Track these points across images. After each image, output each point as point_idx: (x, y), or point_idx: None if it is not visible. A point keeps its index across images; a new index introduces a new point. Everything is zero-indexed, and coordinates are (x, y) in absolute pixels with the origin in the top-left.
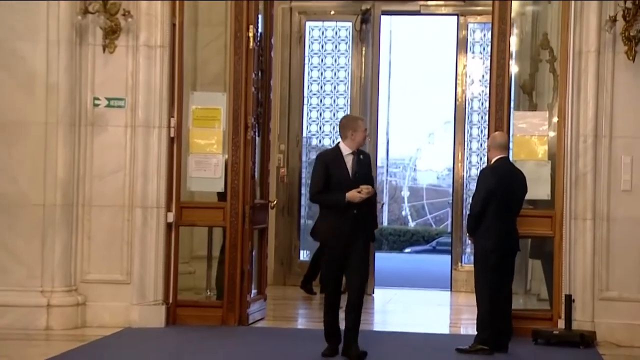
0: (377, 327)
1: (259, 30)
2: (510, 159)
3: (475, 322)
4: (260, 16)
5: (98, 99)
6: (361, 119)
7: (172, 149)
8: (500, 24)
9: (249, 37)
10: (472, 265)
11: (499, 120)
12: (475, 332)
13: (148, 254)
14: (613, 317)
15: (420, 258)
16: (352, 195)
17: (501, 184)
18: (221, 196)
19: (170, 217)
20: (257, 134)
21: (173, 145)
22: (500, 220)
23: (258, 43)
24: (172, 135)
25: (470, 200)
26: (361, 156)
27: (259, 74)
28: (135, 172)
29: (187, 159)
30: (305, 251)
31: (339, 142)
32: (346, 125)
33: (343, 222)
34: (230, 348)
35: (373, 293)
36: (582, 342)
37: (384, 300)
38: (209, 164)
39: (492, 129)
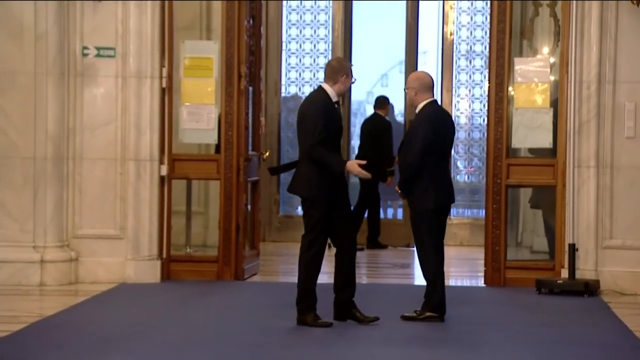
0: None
1: None
2: (512, 106)
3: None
4: None
5: (87, 48)
6: (352, 65)
7: (164, 99)
8: None
9: None
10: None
11: (499, 67)
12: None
13: (142, 208)
14: (616, 265)
15: None
16: (353, 166)
17: (439, 132)
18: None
19: (164, 170)
20: (249, 83)
21: (165, 96)
22: (437, 174)
23: None
24: (164, 85)
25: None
26: (338, 106)
27: (251, 20)
28: (127, 124)
29: (179, 110)
30: (286, 206)
31: (321, 87)
32: (340, 69)
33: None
34: (230, 302)
35: None
36: (586, 290)
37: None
38: (201, 115)
39: (493, 77)
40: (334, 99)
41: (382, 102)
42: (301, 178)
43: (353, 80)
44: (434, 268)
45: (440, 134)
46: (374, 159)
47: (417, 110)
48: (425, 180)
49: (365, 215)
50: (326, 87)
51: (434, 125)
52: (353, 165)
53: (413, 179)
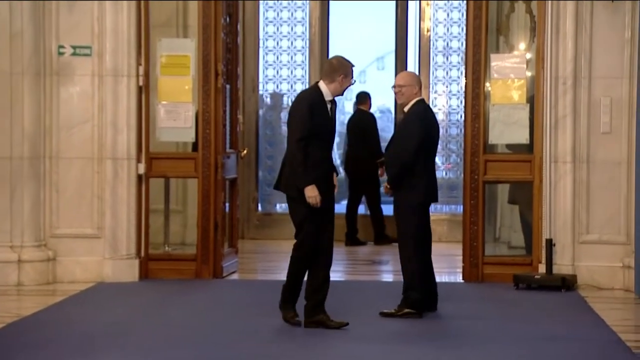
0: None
1: None
2: (489, 103)
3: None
4: None
5: (63, 47)
6: (353, 66)
7: (141, 98)
8: None
9: None
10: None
11: (476, 63)
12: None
13: (119, 206)
14: (593, 260)
15: None
16: (312, 193)
17: (429, 131)
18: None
19: (141, 168)
20: (226, 81)
21: (141, 95)
22: (427, 171)
23: None
24: (140, 83)
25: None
26: (333, 106)
27: (227, 18)
28: (104, 123)
29: (156, 108)
30: (265, 203)
31: (318, 84)
32: (339, 68)
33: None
34: (209, 300)
35: None
36: (563, 285)
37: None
38: (178, 113)
39: (470, 73)
40: (327, 97)
41: (363, 98)
42: (286, 175)
43: (352, 81)
44: (415, 264)
45: (431, 132)
46: (365, 154)
47: (406, 109)
48: (414, 176)
49: (359, 210)
50: (322, 85)
51: (426, 123)
52: (311, 190)
53: (404, 176)
